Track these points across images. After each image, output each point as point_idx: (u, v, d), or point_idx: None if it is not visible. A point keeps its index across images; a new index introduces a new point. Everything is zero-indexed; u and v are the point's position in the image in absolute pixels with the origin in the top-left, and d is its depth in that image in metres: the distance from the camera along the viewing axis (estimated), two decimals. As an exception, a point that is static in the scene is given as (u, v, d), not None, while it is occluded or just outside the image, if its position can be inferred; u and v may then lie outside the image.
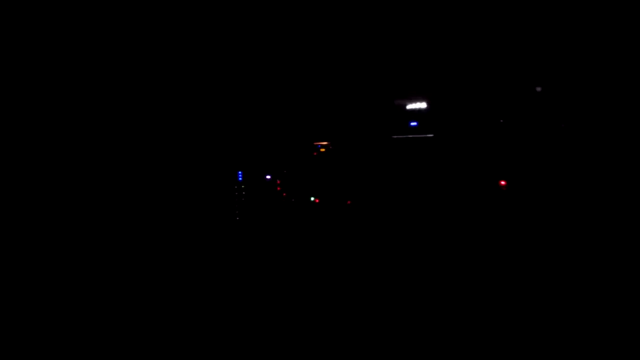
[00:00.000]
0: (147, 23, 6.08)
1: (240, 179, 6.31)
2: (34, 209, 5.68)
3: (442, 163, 5.65)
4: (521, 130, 5.33)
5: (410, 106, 5.82)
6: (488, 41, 5.43)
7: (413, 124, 5.83)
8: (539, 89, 4.90)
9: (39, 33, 5.76)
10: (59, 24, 5.83)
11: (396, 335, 3.53)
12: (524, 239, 5.06)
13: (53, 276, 4.78)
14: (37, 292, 4.31)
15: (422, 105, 5.79)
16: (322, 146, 6.08)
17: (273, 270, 5.03)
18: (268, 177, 6.29)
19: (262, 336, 3.20)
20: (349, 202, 5.94)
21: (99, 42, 5.93)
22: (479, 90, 5.50)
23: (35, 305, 4.02)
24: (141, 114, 6.30)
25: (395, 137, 5.93)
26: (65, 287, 4.47)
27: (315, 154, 6.11)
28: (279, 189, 6.26)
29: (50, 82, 5.90)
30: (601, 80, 5.04)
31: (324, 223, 5.97)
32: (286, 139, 6.22)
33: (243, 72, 6.26)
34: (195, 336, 3.23)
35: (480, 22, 5.41)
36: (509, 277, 4.50)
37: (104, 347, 3.14)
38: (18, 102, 5.72)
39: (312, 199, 6.15)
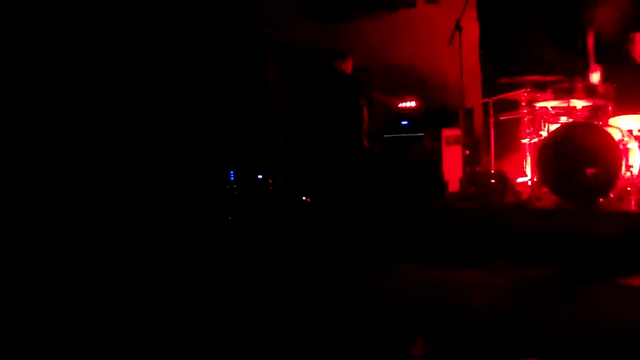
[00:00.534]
0: (142, 22, 6.17)
1: (232, 178, 6.34)
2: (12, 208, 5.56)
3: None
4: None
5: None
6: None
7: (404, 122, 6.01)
8: None
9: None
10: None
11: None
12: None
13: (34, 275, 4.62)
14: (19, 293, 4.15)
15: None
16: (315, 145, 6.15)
17: (266, 269, 4.97)
18: (260, 176, 6.33)
19: (255, 338, 3.13)
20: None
21: (96, 40, 5.98)
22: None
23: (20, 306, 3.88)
24: (131, 113, 6.31)
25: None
26: (49, 286, 4.31)
27: (307, 153, 6.17)
28: (270, 188, 6.30)
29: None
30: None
31: (315, 222, 5.98)
32: (278, 138, 6.30)
33: (236, 70, 6.37)
34: (186, 338, 3.13)
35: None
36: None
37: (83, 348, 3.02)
38: None
39: (304, 198, 6.20)
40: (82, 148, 6.04)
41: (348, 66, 5.50)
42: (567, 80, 5.08)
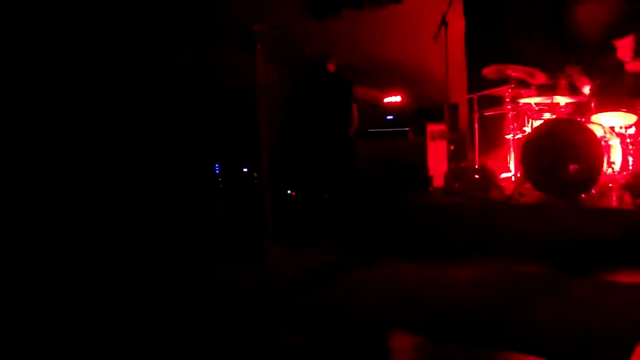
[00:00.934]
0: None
1: (217, 171, 6.31)
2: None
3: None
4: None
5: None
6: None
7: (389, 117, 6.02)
8: None
9: None
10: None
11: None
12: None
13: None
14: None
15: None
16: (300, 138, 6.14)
17: (253, 265, 4.91)
18: (245, 170, 6.31)
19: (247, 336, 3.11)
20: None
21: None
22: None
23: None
24: (121, 110, 6.25)
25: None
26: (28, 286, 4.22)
27: (294, 148, 6.15)
28: (255, 181, 6.28)
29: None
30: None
31: (300, 216, 5.97)
32: (263, 131, 6.27)
33: (222, 64, 6.32)
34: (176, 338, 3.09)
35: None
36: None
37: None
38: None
39: (289, 192, 6.18)
40: (74, 143, 5.99)
41: (332, 67, 5.53)
42: (551, 77, 5.12)
